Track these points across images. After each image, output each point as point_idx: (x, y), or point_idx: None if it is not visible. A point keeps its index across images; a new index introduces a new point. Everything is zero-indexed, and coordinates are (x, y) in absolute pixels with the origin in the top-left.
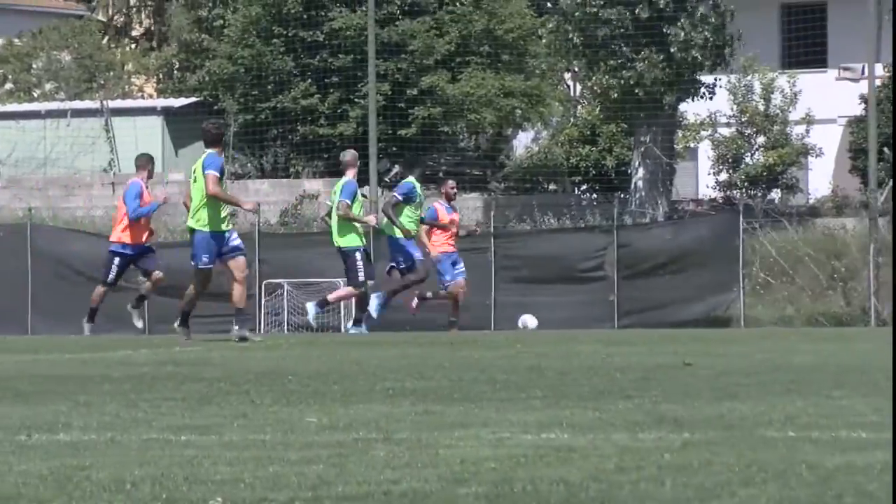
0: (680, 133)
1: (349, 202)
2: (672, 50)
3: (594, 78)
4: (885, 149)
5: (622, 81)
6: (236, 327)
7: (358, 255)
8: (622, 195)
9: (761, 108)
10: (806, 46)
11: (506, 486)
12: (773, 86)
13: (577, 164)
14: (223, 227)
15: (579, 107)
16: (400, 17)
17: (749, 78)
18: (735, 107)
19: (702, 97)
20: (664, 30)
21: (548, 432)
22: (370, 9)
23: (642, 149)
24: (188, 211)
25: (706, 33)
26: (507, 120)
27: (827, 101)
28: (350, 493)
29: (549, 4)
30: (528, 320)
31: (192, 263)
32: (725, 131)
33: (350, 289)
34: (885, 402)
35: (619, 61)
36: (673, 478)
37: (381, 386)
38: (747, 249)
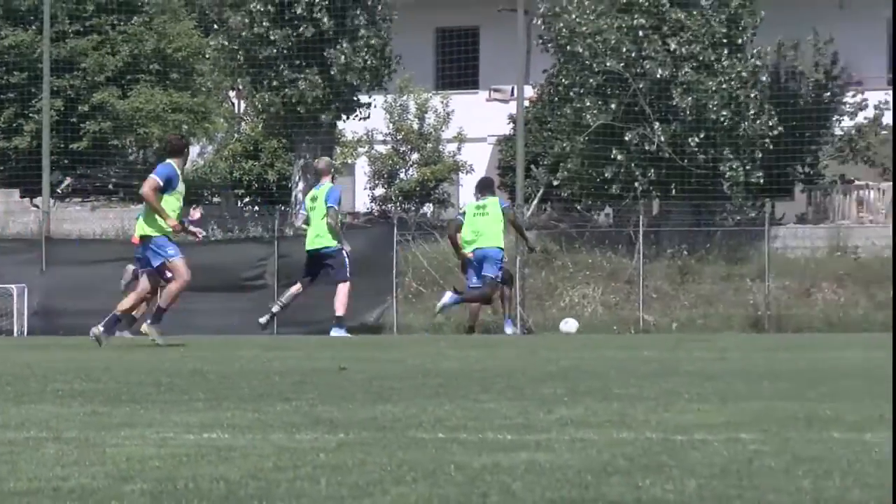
0: (338, 149)
1: (337, 208)
2: (333, 72)
3: (258, 96)
4: (533, 166)
5: (284, 99)
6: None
7: (345, 253)
8: (283, 208)
9: (416, 126)
10: (459, 68)
11: (169, 484)
12: (427, 105)
13: (241, 178)
14: (168, 231)
15: (243, 123)
16: (71, 34)
17: (405, 98)
18: (391, 125)
19: (360, 116)
20: (325, 53)
21: (209, 432)
22: (45, 29)
23: (302, 164)
24: None
25: (365, 56)
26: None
27: (478, 120)
28: (21, 488)
29: (215, 26)
30: (570, 325)
31: (157, 264)
32: (382, 148)
33: (347, 286)
34: (530, 407)
35: (283, 80)
36: (328, 476)
37: (52, 387)
38: (401, 260)
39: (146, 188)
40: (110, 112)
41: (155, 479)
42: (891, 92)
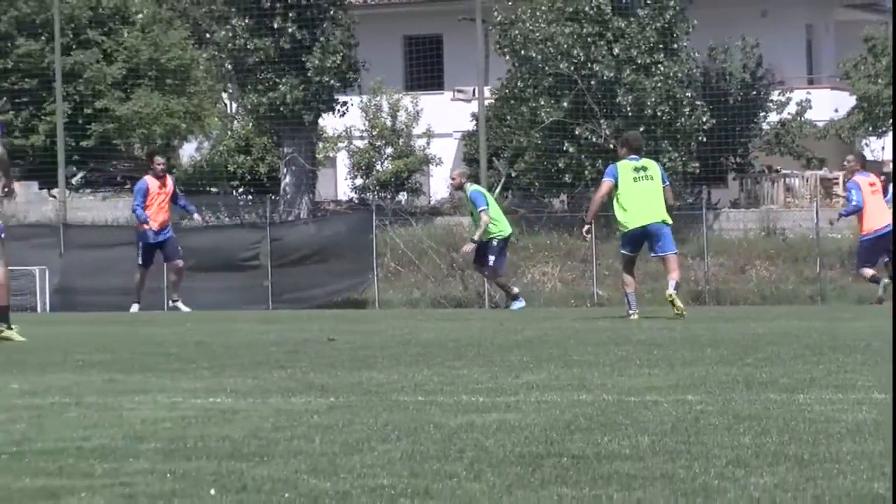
0: (320, 144)
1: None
2: (309, 76)
3: (246, 98)
4: (494, 158)
5: (269, 101)
6: None
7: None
8: (273, 197)
9: (389, 123)
10: (426, 72)
11: (179, 443)
12: (398, 105)
13: (235, 171)
14: None
15: (235, 122)
16: (74, 46)
17: (378, 98)
18: (367, 122)
19: (338, 114)
20: (302, 59)
21: (214, 397)
22: (56, 43)
23: (287, 158)
24: None
25: (337, 61)
26: (173, 133)
27: (444, 118)
28: (48, 447)
29: (208, 35)
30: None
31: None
32: (359, 143)
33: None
34: (499, 372)
35: (266, 84)
36: (321, 435)
37: (72, 358)
38: (380, 243)
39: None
40: (113, 115)
41: (167, 438)
42: (811, 91)
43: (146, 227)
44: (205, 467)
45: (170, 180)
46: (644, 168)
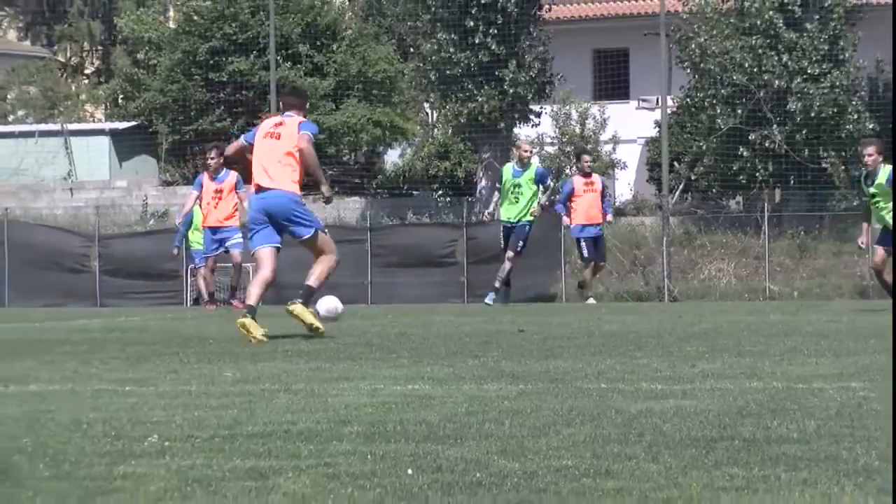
0: (514, 151)
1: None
2: (505, 87)
3: (447, 107)
4: (675, 163)
5: (468, 110)
6: None
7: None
8: (469, 199)
9: (578, 130)
10: (613, 82)
11: (380, 426)
12: (586, 113)
13: (435, 175)
14: None
15: (435, 129)
16: (284, 61)
17: (568, 107)
18: (557, 130)
19: (531, 123)
20: (497, 73)
21: (412, 384)
22: (272, 59)
23: (484, 163)
24: None
25: (532, 74)
26: (378, 140)
27: (629, 125)
28: (258, 431)
29: (411, 49)
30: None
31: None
32: (550, 149)
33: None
34: (677, 361)
35: (466, 94)
36: (511, 419)
37: (282, 348)
38: (568, 241)
39: None
40: (322, 124)
41: (368, 422)
42: None
43: (568, 224)
44: (403, 449)
45: (597, 179)
46: None
